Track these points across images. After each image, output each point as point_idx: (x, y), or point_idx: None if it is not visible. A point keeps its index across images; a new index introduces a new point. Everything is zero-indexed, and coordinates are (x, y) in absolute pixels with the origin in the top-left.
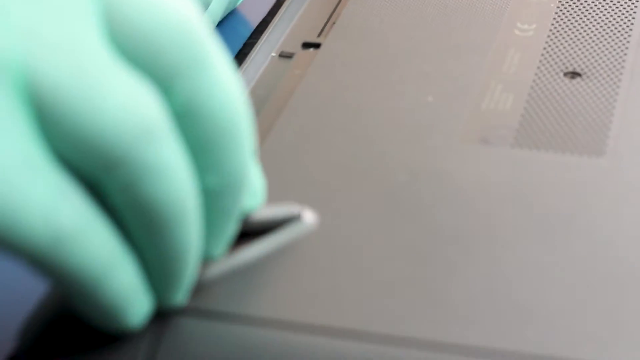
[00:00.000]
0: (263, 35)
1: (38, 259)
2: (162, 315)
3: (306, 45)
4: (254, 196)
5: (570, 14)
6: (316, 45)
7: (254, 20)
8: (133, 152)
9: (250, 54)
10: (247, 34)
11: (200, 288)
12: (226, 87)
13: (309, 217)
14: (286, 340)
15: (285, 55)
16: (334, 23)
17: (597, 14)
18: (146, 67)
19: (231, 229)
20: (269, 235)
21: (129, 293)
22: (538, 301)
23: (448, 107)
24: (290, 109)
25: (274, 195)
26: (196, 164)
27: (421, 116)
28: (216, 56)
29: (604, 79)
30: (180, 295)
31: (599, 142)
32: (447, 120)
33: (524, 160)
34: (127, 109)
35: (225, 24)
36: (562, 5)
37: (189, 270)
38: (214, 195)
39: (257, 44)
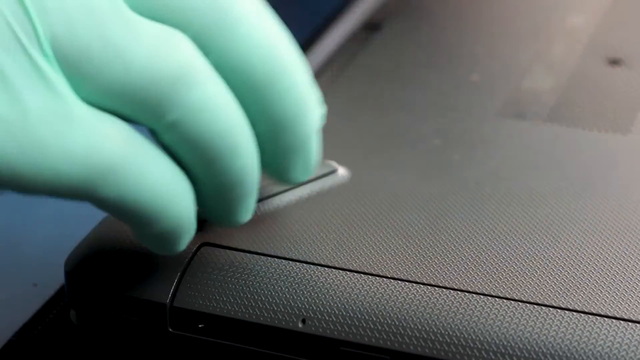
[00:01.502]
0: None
1: (86, 194)
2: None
3: (368, 26)
4: (307, 171)
5: (623, 8)
6: (377, 26)
7: None
8: (173, 97)
9: (318, 40)
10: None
11: (229, 229)
12: (262, 40)
13: (343, 172)
14: (302, 272)
15: (354, 35)
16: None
17: None
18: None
19: (307, 156)
20: (303, 185)
21: (184, 222)
22: (541, 254)
23: (491, 85)
24: (342, 79)
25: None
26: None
27: (464, 91)
28: (248, 9)
29: None
30: (243, 217)
31: (627, 122)
32: (488, 96)
33: (553, 135)
34: (157, 56)
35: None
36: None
37: (249, 196)
38: (272, 138)
39: (325, 32)
